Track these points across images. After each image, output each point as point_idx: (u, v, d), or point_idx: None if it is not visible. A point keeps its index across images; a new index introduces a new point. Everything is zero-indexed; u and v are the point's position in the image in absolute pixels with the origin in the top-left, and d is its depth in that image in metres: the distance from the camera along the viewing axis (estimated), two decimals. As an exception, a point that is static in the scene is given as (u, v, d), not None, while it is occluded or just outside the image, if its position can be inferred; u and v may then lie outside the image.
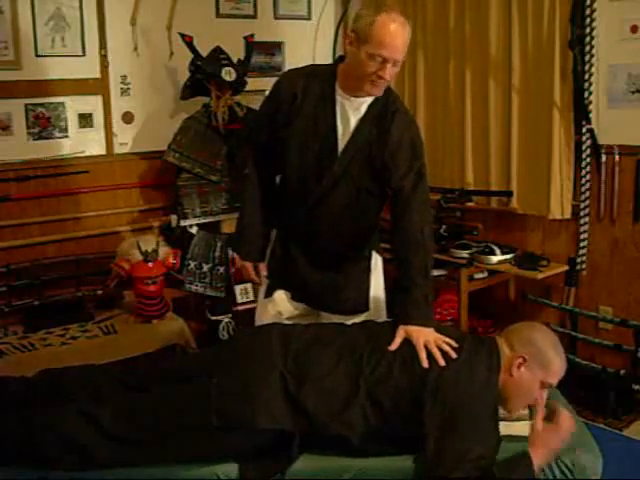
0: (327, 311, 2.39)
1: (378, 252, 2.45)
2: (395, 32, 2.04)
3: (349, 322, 2.26)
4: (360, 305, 2.38)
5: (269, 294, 2.42)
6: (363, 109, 2.20)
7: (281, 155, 2.28)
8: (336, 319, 2.33)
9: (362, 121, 2.19)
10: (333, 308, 2.38)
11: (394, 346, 2.01)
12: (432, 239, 2.26)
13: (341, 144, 2.20)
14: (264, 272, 2.43)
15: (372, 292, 2.40)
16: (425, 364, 1.94)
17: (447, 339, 2.03)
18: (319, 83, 2.21)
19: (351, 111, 2.20)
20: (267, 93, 2.39)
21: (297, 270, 2.35)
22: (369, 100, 2.19)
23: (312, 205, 2.25)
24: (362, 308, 2.38)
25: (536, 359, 1.97)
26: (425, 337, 2.02)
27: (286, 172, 2.31)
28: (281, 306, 2.41)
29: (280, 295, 2.42)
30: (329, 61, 4.40)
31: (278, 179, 2.41)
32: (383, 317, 2.42)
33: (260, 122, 2.39)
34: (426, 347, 1.99)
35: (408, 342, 2.02)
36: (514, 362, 1.96)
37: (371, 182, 2.23)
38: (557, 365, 1.99)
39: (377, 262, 2.44)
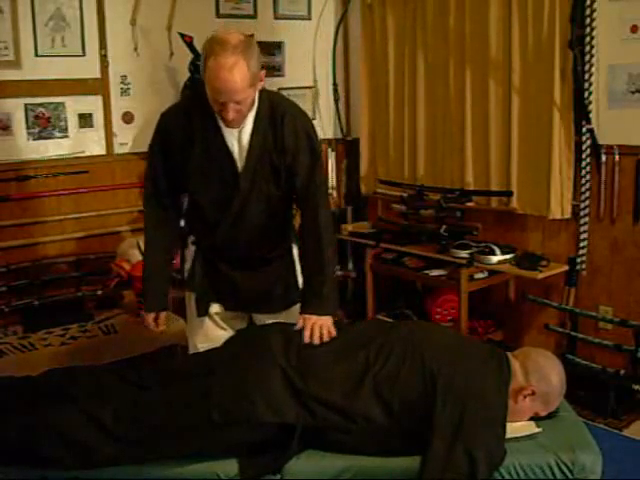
0: (260, 312, 2.41)
1: (297, 244, 2.46)
2: (225, 78, 1.96)
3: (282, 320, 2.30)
4: (291, 300, 2.39)
5: (202, 311, 2.40)
6: (249, 122, 2.14)
7: (185, 190, 2.26)
8: (269, 319, 2.35)
9: (253, 133, 2.15)
10: (267, 308, 2.40)
11: (297, 328, 2.15)
12: (330, 229, 2.29)
13: (239, 162, 2.17)
14: (162, 325, 2.38)
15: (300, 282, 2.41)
16: (306, 340, 2.10)
17: (332, 329, 2.14)
18: (199, 114, 2.14)
19: (238, 129, 2.15)
20: (150, 142, 2.29)
21: (226, 281, 2.36)
22: (252, 112, 2.14)
23: (228, 223, 2.25)
24: (294, 301, 2.38)
25: (544, 397, 2.03)
26: (315, 322, 2.15)
27: (194, 202, 2.29)
28: (214, 340, 2.39)
29: (214, 330, 2.42)
30: (329, 61, 4.41)
31: (187, 205, 2.39)
32: None
33: (156, 172, 2.27)
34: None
35: (416, 344, 2.02)
36: (524, 391, 2.00)
37: (278, 188, 2.23)
38: (556, 405, 2.08)
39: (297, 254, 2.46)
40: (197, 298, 2.40)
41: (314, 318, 2.16)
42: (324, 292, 2.22)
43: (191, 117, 2.16)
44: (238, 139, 2.16)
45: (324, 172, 2.35)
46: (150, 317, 2.35)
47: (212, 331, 2.43)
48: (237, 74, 1.96)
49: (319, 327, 2.14)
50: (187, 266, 2.43)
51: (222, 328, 2.44)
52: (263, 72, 2.09)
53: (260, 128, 2.15)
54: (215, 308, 2.42)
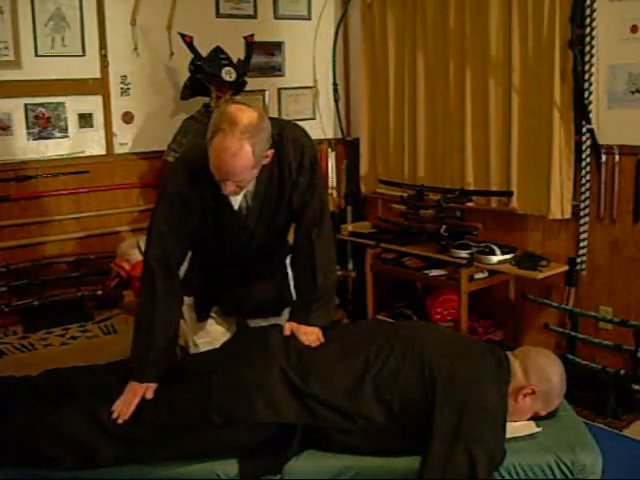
0: (259, 317, 2.41)
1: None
2: (228, 162, 1.88)
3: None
4: (283, 306, 2.41)
5: (202, 317, 2.43)
6: None
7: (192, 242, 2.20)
8: (261, 323, 2.37)
9: (257, 177, 2.07)
10: (261, 315, 2.41)
11: (285, 333, 2.14)
12: (325, 251, 2.23)
13: (244, 211, 2.15)
14: (150, 395, 2.02)
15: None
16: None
17: (320, 337, 2.12)
18: (205, 169, 1.99)
19: None
20: (164, 203, 2.12)
21: (224, 290, 2.37)
22: None
23: (231, 252, 2.26)
24: (285, 306, 2.41)
25: (544, 396, 2.02)
26: (304, 330, 2.14)
27: (200, 250, 2.29)
28: (213, 335, 2.42)
29: (213, 325, 2.45)
30: (329, 61, 4.41)
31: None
32: None
33: (164, 232, 2.10)
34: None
35: (415, 344, 2.02)
36: (524, 390, 1.99)
37: (281, 214, 2.21)
38: (556, 404, 2.08)
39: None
40: (197, 304, 2.42)
41: (302, 327, 2.16)
42: (312, 308, 2.20)
43: (199, 173, 2.04)
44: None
45: (324, 192, 2.33)
46: (142, 391, 2.00)
47: (210, 326, 2.44)
48: (241, 159, 1.89)
49: (307, 334, 2.13)
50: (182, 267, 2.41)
51: (219, 324, 2.45)
52: (270, 151, 2.01)
53: (264, 170, 2.09)
54: (212, 307, 2.45)
